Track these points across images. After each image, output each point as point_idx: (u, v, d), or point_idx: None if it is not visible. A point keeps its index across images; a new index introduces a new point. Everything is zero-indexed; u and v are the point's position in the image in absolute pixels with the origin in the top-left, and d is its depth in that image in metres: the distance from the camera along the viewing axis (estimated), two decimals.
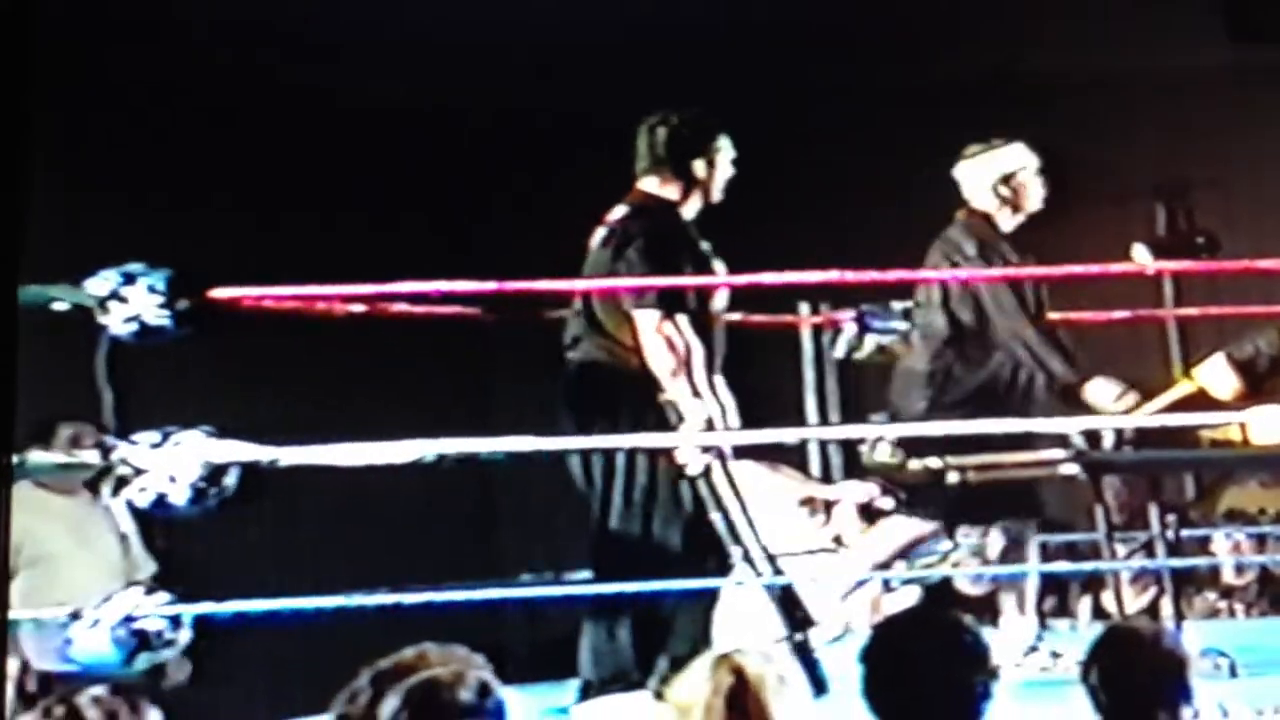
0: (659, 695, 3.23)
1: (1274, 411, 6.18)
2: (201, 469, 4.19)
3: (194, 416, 4.26)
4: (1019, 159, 6.47)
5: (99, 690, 3.66)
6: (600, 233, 5.58)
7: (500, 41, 8.76)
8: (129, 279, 4.26)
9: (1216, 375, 6.28)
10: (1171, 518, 6.40)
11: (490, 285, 5.01)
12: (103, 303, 4.27)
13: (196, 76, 8.03)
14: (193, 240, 6.22)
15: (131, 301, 4.23)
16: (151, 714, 3.73)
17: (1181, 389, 6.33)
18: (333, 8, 8.31)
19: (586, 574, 5.53)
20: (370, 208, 8.83)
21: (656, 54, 8.78)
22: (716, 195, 5.68)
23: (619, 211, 5.60)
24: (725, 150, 5.72)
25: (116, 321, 4.22)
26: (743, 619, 5.69)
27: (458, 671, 3.33)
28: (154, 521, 4.15)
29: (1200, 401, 6.32)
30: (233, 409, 4.50)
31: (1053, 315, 6.77)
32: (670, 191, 5.63)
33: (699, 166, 5.64)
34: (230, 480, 4.24)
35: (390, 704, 3.27)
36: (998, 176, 6.45)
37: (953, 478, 6.29)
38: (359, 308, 4.86)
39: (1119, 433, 6.10)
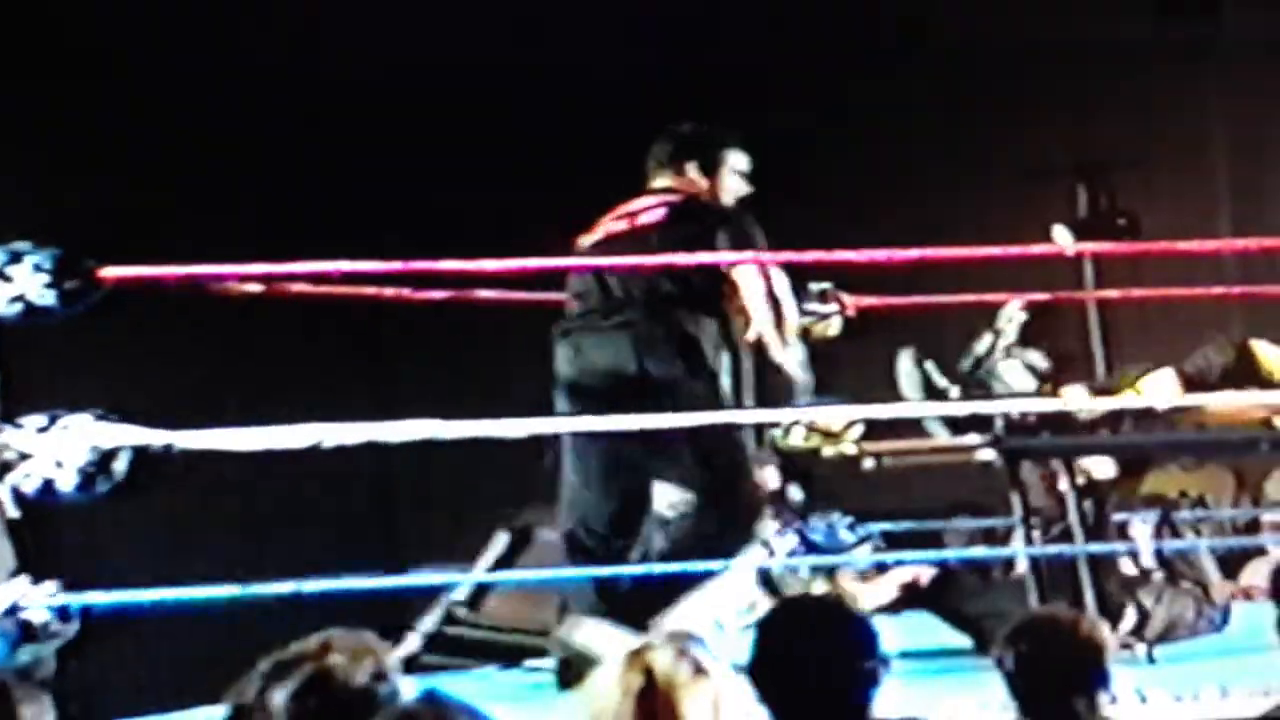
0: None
1: (1166, 375, 6.29)
2: (90, 454, 4.15)
3: (83, 399, 4.22)
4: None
5: None
6: (627, 221, 5.75)
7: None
8: (14, 257, 4.21)
9: (1164, 389, 6.34)
10: (1089, 503, 6.47)
11: (395, 265, 4.98)
12: None
13: (84, 50, 7.98)
14: (83, 218, 6.16)
15: (16, 280, 4.18)
16: (45, 702, 3.71)
17: (1126, 400, 6.40)
18: None
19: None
20: (270, 182, 8.78)
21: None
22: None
23: (649, 201, 5.74)
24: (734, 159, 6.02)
25: (1, 301, 4.17)
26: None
27: (352, 660, 3.32)
28: (41, 508, 4.10)
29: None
30: (124, 392, 4.46)
31: (969, 297, 6.82)
32: (695, 186, 5.88)
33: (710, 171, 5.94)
34: (121, 465, 4.21)
35: (280, 694, 3.27)
36: None
37: (868, 463, 6.34)
38: (256, 287, 4.82)
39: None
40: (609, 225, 5.85)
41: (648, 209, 5.83)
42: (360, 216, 8.98)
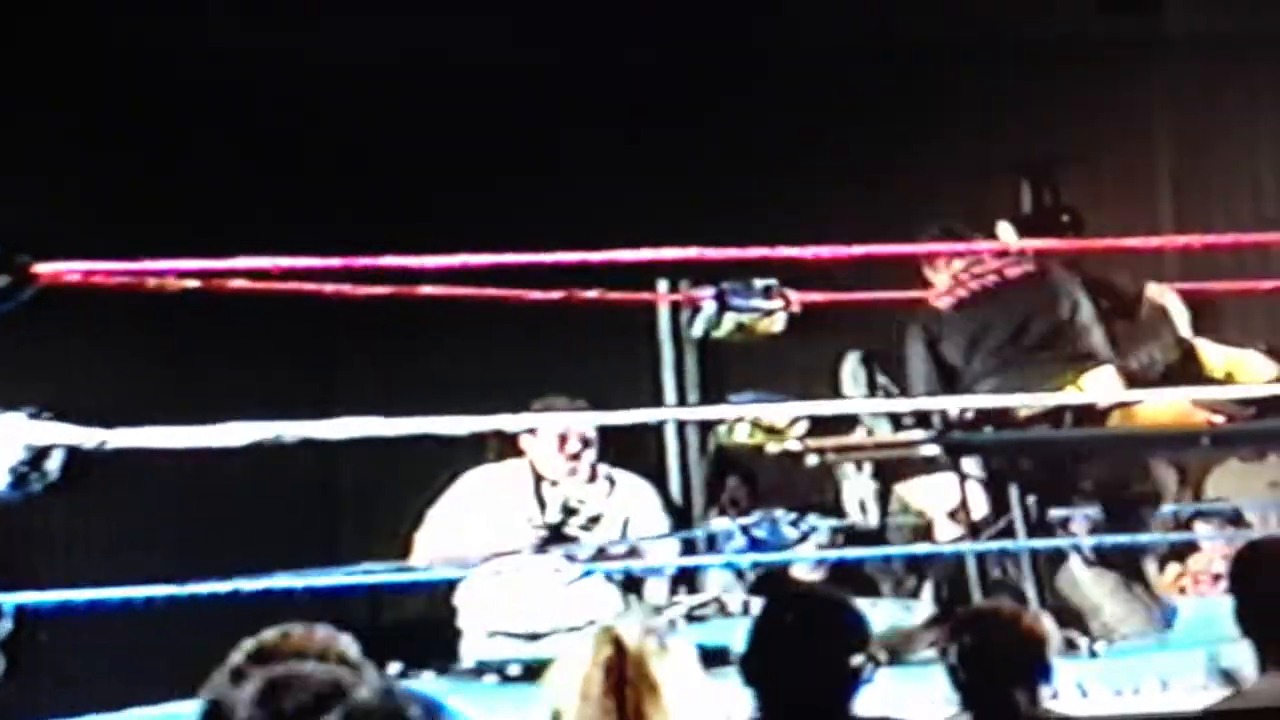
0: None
1: (1107, 372, 6.31)
2: (23, 452, 4.10)
3: (15, 397, 4.17)
4: None
5: None
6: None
7: None
8: None
9: (1104, 386, 6.36)
10: (1032, 499, 6.48)
11: (335, 261, 4.94)
12: None
13: (19, 39, 7.86)
14: (16, 211, 6.09)
15: None
16: None
17: (1067, 397, 6.40)
18: None
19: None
20: (213, 175, 8.70)
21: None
22: None
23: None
24: None
25: None
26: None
27: (321, 658, 3.30)
28: None
29: None
30: (57, 389, 4.41)
31: (915, 294, 6.82)
32: None
33: None
34: (54, 464, 4.15)
35: (247, 690, 3.24)
36: None
37: (812, 459, 6.33)
38: (194, 283, 4.77)
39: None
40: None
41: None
42: (310, 208, 8.96)
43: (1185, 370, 6.37)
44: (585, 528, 6.24)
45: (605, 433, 6.29)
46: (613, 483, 6.36)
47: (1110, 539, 6.53)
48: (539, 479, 6.24)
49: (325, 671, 3.25)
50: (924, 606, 6.56)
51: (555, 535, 6.19)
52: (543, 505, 6.23)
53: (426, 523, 6.19)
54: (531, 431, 6.14)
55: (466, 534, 6.13)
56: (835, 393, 6.50)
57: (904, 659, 5.92)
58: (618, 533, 6.30)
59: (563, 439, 6.18)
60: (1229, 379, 6.43)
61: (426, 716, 3.13)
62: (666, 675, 3.62)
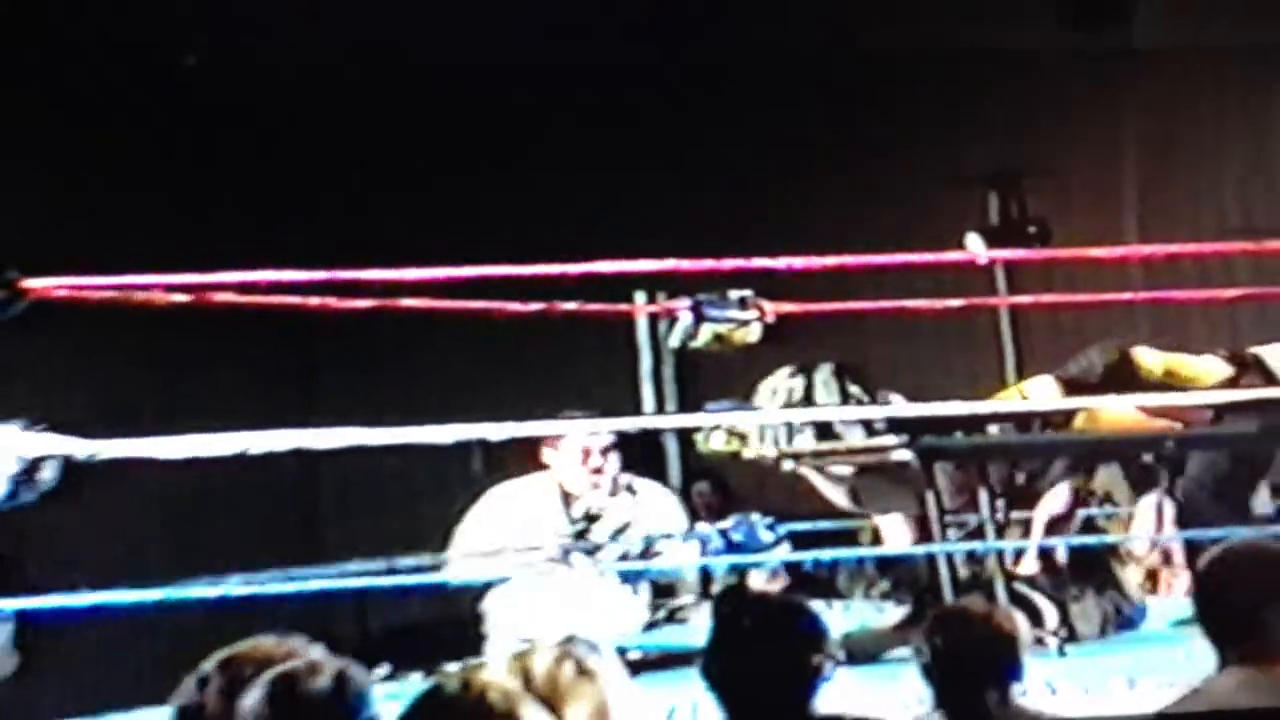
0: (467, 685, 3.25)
1: (1045, 381, 6.40)
2: (17, 463, 4.15)
3: (9, 410, 4.22)
4: None
5: None
6: None
7: None
8: None
9: (1044, 394, 6.44)
10: (1001, 501, 6.56)
11: (320, 275, 4.98)
12: None
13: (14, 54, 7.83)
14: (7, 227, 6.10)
15: None
16: None
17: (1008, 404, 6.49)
18: None
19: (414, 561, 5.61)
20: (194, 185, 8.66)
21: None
22: None
23: None
24: None
25: None
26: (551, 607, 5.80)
27: (315, 663, 3.38)
28: None
29: None
30: (50, 402, 4.46)
31: (887, 304, 6.88)
32: None
33: None
34: (47, 474, 4.21)
35: (252, 698, 3.30)
36: None
37: (787, 465, 6.39)
38: (182, 297, 4.81)
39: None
40: None
41: None
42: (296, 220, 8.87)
43: (1122, 374, 6.45)
44: (612, 537, 6.32)
45: (625, 445, 6.39)
46: (634, 492, 6.44)
47: (1079, 540, 6.61)
48: (565, 494, 6.31)
49: (327, 681, 3.34)
50: (896, 608, 6.62)
51: (582, 545, 6.25)
52: (570, 518, 6.30)
53: (456, 540, 6.22)
54: (554, 446, 6.20)
55: (496, 547, 6.17)
56: (809, 401, 6.56)
57: (877, 658, 5.98)
58: (641, 539, 6.36)
59: (586, 453, 6.25)
60: (1168, 380, 6.51)
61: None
62: (575, 711, 3.58)
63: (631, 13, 8.94)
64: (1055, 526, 6.81)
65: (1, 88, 7.71)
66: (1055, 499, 6.81)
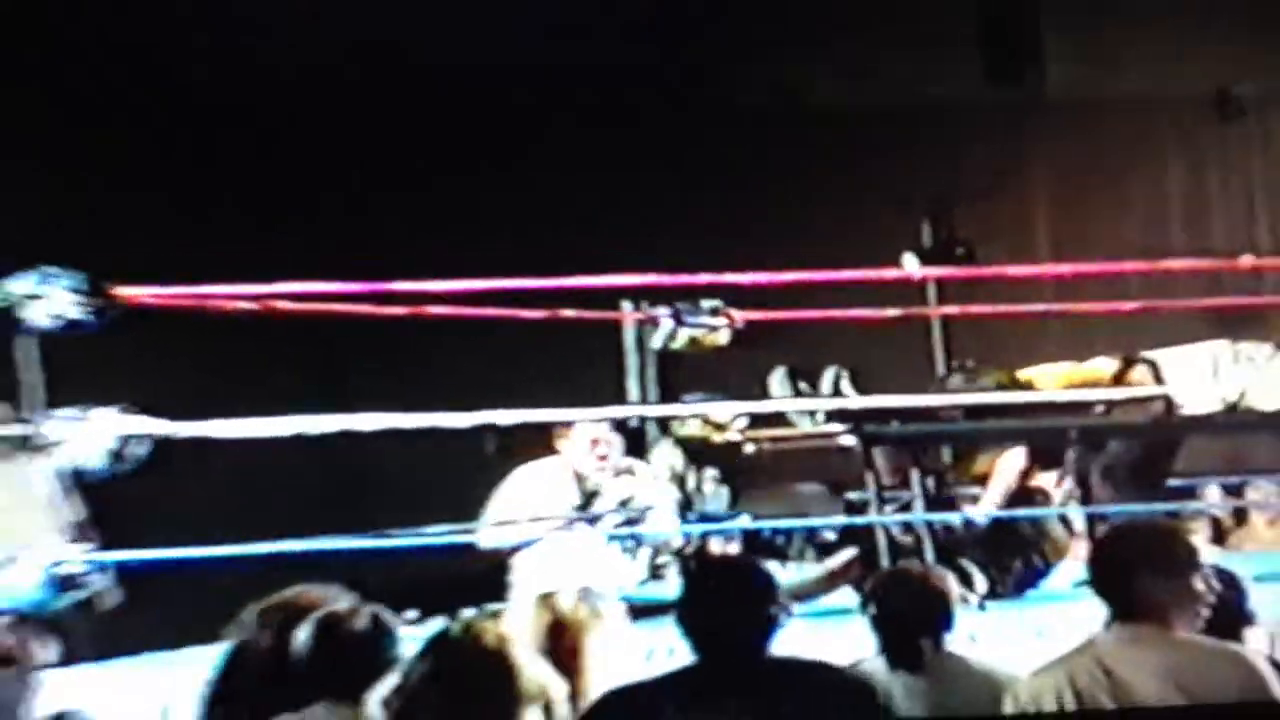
0: (468, 629, 3.42)
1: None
2: (115, 440, 4.32)
3: (107, 397, 4.38)
4: None
5: (6, 620, 3.79)
6: None
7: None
8: (46, 279, 4.38)
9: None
10: (930, 480, 6.70)
11: (359, 286, 5.12)
12: (24, 301, 4.38)
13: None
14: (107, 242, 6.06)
15: (52, 299, 4.35)
16: (48, 644, 3.87)
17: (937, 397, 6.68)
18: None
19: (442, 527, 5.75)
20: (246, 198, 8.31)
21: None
22: None
23: None
24: None
25: (38, 316, 4.34)
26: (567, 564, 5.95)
27: (354, 607, 3.52)
28: (78, 482, 4.26)
29: None
30: (139, 391, 4.60)
31: (836, 313, 7.02)
32: None
33: None
34: (138, 449, 4.38)
35: (302, 634, 3.44)
36: None
37: (749, 448, 6.54)
38: (249, 305, 4.95)
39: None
40: None
41: None
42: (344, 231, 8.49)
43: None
44: (614, 509, 6.48)
45: (624, 433, 6.53)
46: (632, 473, 6.62)
47: (1005, 512, 6.74)
48: (576, 474, 6.50)
49: (365, 621, 3.48)
50: (829, 560, 6.75)
51: (589, 515, 6.41)
52: (580, 493, 6.49)
53: (490, 506, 6.41)
54: (565, 435, 6.39)
55: (522, 512, 6.35)
56: (768, 395, 6.69)
57: (813, 599, 6.10)
58: (635, 510, 6.52)
59: (594, 441, 6.43)
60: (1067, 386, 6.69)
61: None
62: (595, 633, 3.73)
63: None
64: (1018, 479, 6.97)
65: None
66: (1014, 458, 6.95)
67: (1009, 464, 6.94)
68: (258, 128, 8.16)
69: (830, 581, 6.42)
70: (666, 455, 6.84)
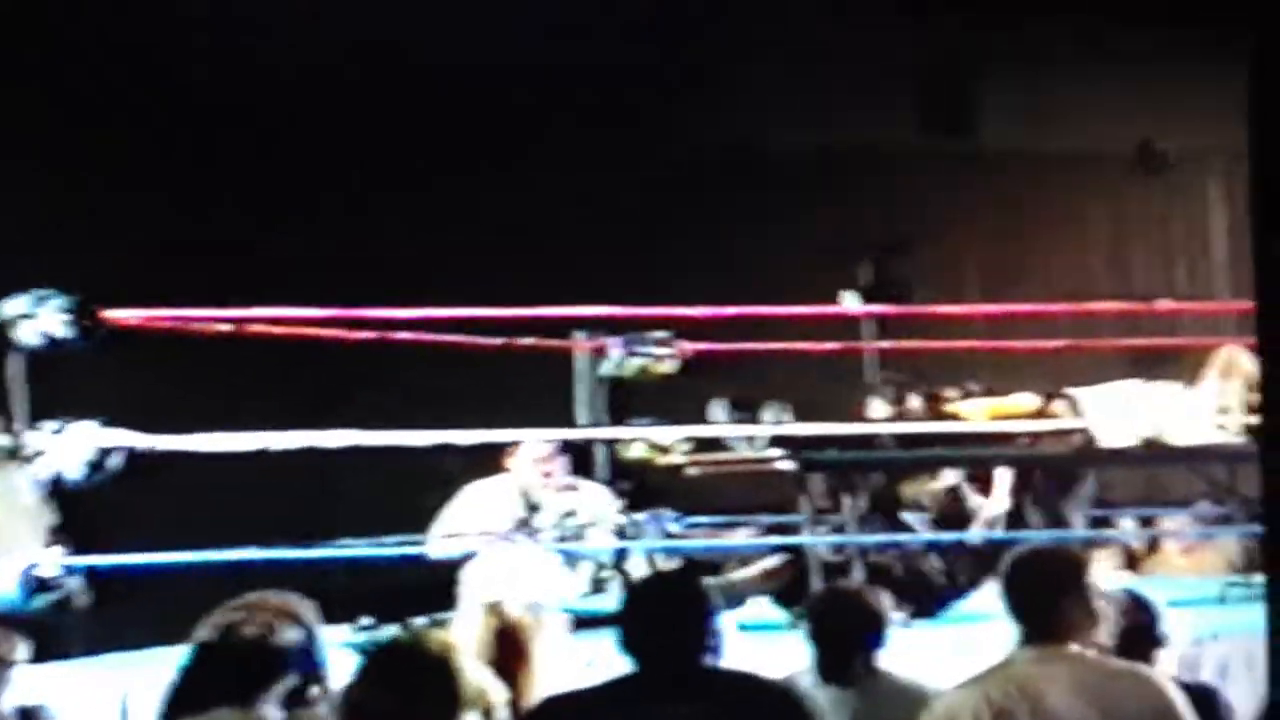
0: (414, 636, 3.46)
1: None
2: (94, 451, 4.38)
3: (89, 411, 4.42)
4: None
5: None
6: None
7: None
8: (39, 301, 4.44)
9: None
10: (862, 503, 6.79)
11: (330, 311, 5.21)
12: (16, 321, 4.44)
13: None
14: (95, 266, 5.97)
15: (41, 319, 4.41)
16: (19, 643, 3.88)
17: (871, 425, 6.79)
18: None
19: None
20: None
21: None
22: None
23: None
24: None
25: (29, 335, 4.40)
26: (512, 575, 6.04)
27: (249, 615, 3.45)
28: (54, 490, 4.31)
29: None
30: (120, 406, 4.65)
31: (776, 345, 7.11)
32: None
33: None
34: (116, 461, 4.44)
35: (198, 638, 3.42)
36: None
37: (692, 471, 6.63)
38: (226, 327, 5.00)
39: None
40: None
41: None
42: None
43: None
44: (557, 524, 6.57)
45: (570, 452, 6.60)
46: (576, 490, 6.71)
47: (942, 536, 6.81)
48: (523, 490, 6.59)
49: (288, 630, 3.47)
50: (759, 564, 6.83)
51: (533, 529, 6.50)
52: (526, 508, 6.58)
53: (440, 519, 6.49)
54: (513, 454, 6.48)
55: (470, 525, 6.43)
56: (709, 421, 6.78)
57: (742, 601, 6.16)
58: (578, 526, 6.62)
59: (538, 459, 6.53)
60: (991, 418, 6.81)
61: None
62: (538, 642, 3.79)
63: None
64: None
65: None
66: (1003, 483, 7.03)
67: (1004, 484, 7.06)
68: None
69: (763, 581, 6.47)
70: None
